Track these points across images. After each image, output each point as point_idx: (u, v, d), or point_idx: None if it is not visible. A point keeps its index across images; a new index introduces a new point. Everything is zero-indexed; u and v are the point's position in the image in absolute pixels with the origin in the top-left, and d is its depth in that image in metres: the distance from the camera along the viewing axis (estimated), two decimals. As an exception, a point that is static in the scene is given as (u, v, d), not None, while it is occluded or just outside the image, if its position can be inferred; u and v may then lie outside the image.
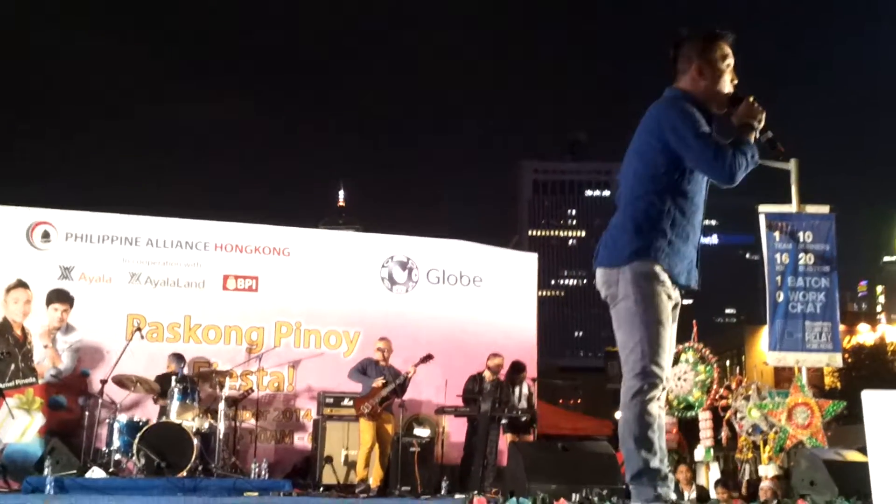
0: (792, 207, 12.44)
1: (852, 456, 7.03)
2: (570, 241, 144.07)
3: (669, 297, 3.67)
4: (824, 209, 12.30)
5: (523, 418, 11.31)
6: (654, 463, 3.53)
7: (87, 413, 10.26)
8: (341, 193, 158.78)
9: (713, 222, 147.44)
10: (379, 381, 10.44)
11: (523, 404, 11.53)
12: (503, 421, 11.05)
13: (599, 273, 3.81)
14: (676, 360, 12.34)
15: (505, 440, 11.06)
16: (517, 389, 11.59)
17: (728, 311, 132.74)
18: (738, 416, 11.32)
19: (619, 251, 3.71)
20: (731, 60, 3.82)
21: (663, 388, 3.57)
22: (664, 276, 3.65)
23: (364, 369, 10.73)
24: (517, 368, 11.67)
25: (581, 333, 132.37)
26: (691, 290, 3.82)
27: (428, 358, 10.60)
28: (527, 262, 14.54)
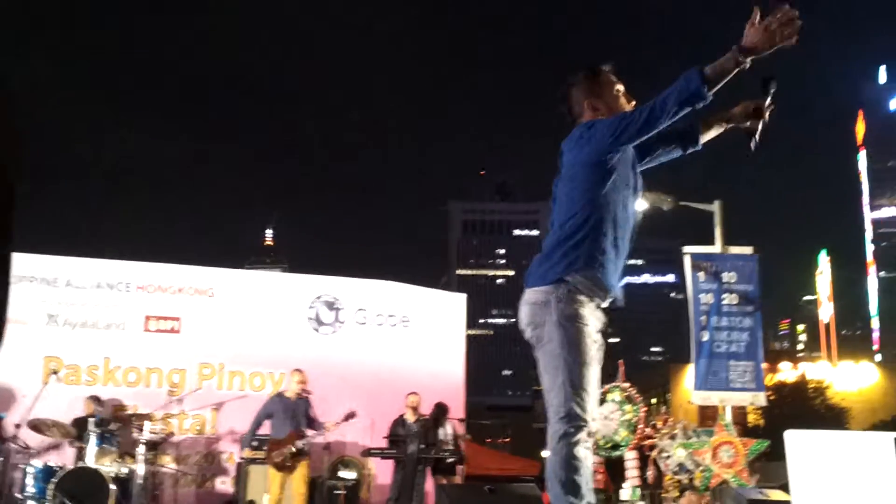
0: (716, 248, 12.64)
1: (775, 495, 7.09)
2: (499, 281, 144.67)
3: (594, 339, 3.63)
4: (747, 250, 12.51)
5: (450, 459, 11.21)
6: None
7: (0, 458, 9.92)
8: (269, 233, 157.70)
9: (639, 262, 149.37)
10: (294, 433, 10.04)
11: (449, 445, 11.43)
12: (430, 463, 10.94)
13: (529, 296, 3.74)
14: (603, 400, 12.37)
15: (432, 482, 10.94)
16: (442, 430, 11.50)
17: (654, 349, 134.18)
18: (664, 455, 11.36)
19: (553, 267, 3.66)
20: (619, 86, 3.88)
21: (590, 431, 3.51)
22: (588, 310, 3.60)
23: (270, 414, 10.26)
24: (442, 410, 11.58)
25: (509, 372, 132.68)
26: (617, 307, 3.76)
27: (351, 416, 10.22)
28: (455, 303, 14.52)
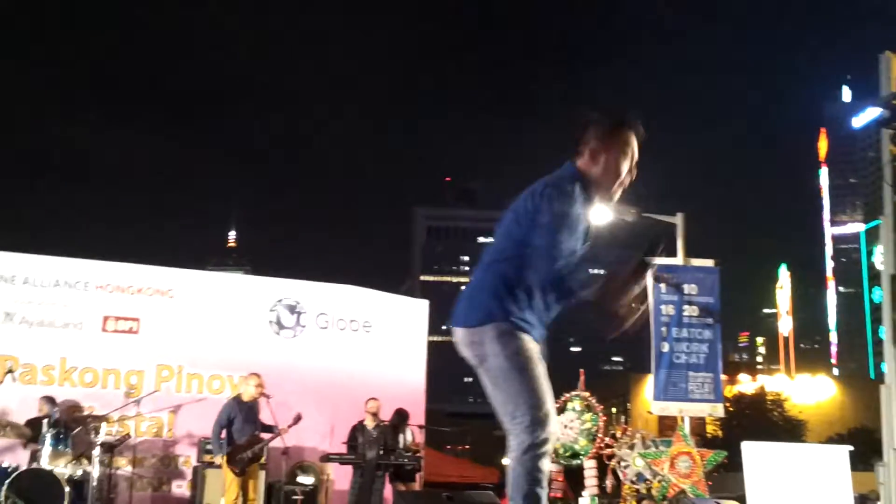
0: (678, 260, 12.72)
1: (732, 506, 7.12)
2: (462, 287, 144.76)
3: (536, 350, 3.69)
4: (709, 263, 12.61)
5: (409, 466, 11.18)
6: None
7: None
8: (232, 234, 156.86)
9: (602, 271, 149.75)
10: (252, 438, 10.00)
11: (409, 451, 11.41)
12: (389, 469, 10.91)
13: (458, 333, 3.77)
14: (563, 409, 12.39)
15: (390, 488, 10.91)
16: (402, 437, 11.48)
17: (615, 359, 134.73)
18: (623, 464, 11.41)
19: (476, 311, 3.70)
20: (631, 149, 3.82)
21: (552, 441, 3.53)
22: (524, 335, 3.65)
23: (230, 419, 10.18)
24: (402, 416, 11.55)
25: (471, 379, 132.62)
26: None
27: (297, 420, 10.09)
28: (417, 309, 14.50)
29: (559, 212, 3.66)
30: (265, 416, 10.20)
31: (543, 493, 3.46)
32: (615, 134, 3.79)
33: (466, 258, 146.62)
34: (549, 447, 3.49)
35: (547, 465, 3.48)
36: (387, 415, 11.45)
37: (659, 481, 10.83)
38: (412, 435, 11.69)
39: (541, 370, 3.59)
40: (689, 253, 12.99)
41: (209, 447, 10.75)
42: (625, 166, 3.80)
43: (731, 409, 40.29)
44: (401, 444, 11.37)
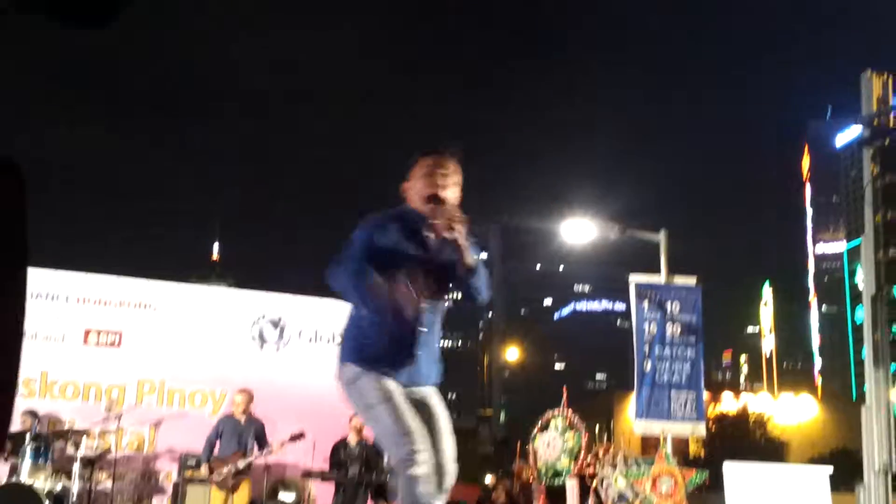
0: (661, 278, 12.75)
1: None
2: (446, 304, 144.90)
3: (389, 387, 3.84)
4: (691, 280, 12.64)
5: (392, 484, 11.14)
6: None
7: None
8: (216, 247, 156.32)
9: (586, 288, 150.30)
10: (237, 453, 10.10)
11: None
12: (371, 487, 10.86)
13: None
14: (545, 427, 12.40)
15: (373, 506, 10.87)
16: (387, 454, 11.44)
17: (599, 377, 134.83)
18: (605, 484, 11.39)
19: (342, 349, 4.02)
20: (437, 172, 3.99)
21: (423, 464, 3.69)
22: (375, 374, 3.84)
23: (218, 435, 10.34)
24: None
25: (454, 395, 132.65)
26: (428, 385, 4.03)
27: (300, 436, 10.26)
28: (400, 324, 14.47)
29: (352, 239, 3.99)
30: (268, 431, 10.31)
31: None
32: (415, 166, 4.06)
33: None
34: (419, 470, 3.66)
35: (424, 488, 3.66)
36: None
37: (641, 501, 10.82)
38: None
39: (392, 402, 3.78)
40: (672, 270, 13.02)
41: (190, 462, 10.75)
42: (421, 183, 3.98)
43: (714, 428, 40.34)
44: (387, 462, 11.33)
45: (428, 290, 3.90)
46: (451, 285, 4.04)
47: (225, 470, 9.95)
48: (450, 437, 3.95)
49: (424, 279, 3.88)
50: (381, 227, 3.93)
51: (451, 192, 3.99)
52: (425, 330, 3.97)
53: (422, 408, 3.90)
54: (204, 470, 10.26)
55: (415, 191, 4.00)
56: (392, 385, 3.82)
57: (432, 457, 3.78)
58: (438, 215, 3.81)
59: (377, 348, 3.83)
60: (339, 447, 11.03)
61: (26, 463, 9.34)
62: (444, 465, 3.86)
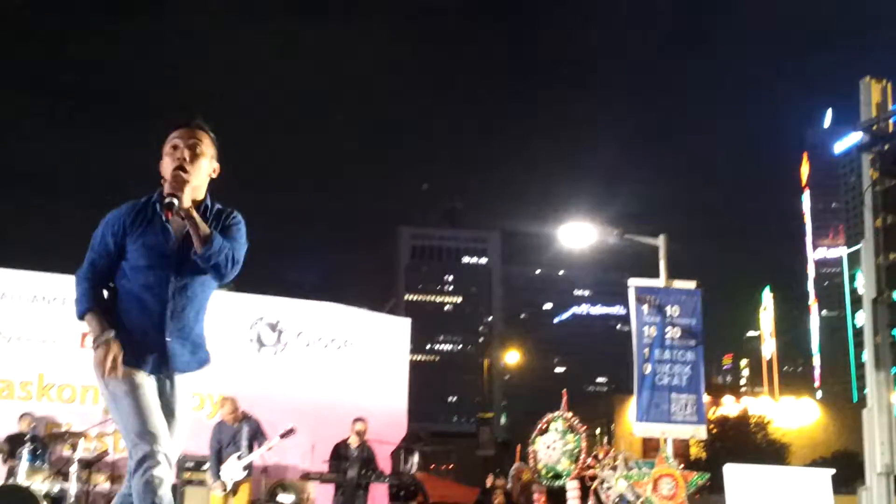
0: (660, 282, 12.72)
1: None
2: (447, 307, 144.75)
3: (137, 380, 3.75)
4: (691, 285, 12.61)
5: (412, 487, 11.16)
6: None
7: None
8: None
9: (586, 293, 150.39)
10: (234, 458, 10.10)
11: (415, 471, 11.38)
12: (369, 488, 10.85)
13: None
14: (546, 430, 12.34)
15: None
16: (411, 458, 11.44)
17: (599, 380, 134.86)
18: (605, 486, 11.34)
19: None
20: (176, 141, 3.84)
21: (164, 465, 3.62)
22: (126, 368, 3.74)
23: (218, 443, 10.33)
24: (416, 438, 11.53)
25: (455, 398, 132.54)
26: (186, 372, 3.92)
27: (290, 432, 10.24)
28: (400, 327, 14.45)
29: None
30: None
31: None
32: (165, 143, 3.88)
33: (451, 278, 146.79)
34: (152, 463, 3.59)
35: (156, 482, 3.57)
36: (371, 434, 11.41)
37: (642, 503, 10.78)
38: (419, 458, 11.63)
39: (131, 396, 3.70)
40: (672, 275, 12.99)
41: (188, 465, 10.72)
42: (167, 158, 3.82)
43: (714, 431, 40.31)
44: (411, 467, 11.32)
45: (173, 273, 3.79)
46: (197, 266, 3.79)
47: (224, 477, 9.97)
48: (175, 438, 3.84)
49: (168, 262, 3.78)
50: (112, 222, 3.84)
51: (200, 165, 3.82)
52: (174, 318, 3.81)
53: (163, 400, 3.81)
54: (218, 487, 10.21)
55: (165, 170, 3.82)
56: (140, 377, 3.72)
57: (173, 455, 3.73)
58: (167, 188, 3.69)
59: (124, 340, 3.71)
60: (340, 449, 11.02)
61: (24, 465, 9.33)
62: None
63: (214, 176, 3.93)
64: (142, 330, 3.76)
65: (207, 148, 3.87)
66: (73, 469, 9.63)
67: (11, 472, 9.60)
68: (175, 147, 3.81)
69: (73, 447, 9.96)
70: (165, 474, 3.59)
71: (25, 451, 9.44)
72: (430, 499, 11.91)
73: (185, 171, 3.72)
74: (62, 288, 11.92)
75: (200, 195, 3.86)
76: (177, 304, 3.81)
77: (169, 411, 3.82)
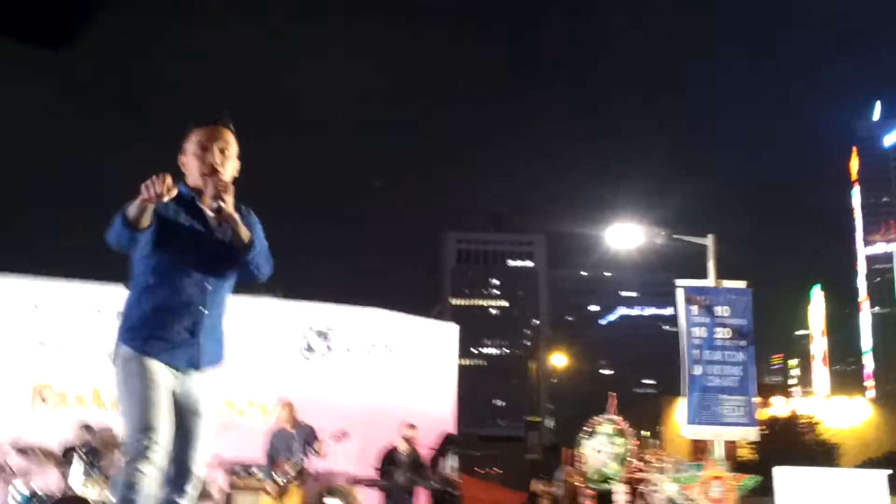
0: (709, 282, 12.62)
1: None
2: (492, 311, 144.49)
3: (155, 377, 3.69)
4: (741, 284, 12.50)
5: (456, 493, 11.15)
6: None
7: (-14, 483, 9.83)
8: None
9: (633, 294, 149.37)
10: (284, 460, 10.21)
11: (454, 475, 11.37)
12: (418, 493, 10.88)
13: None
14: (594, 432, 12.32)
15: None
16: (446, 461, 11.44)
17: (646, 382, 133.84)
18: (654, 489, 11.29)
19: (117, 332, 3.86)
20: (205, 142, 3.84)
21: (155, 465, 3.54)
22: (146, 360, 3.70)
23: (275, 450, 10.44)
24: (450, 441, 11.53)
25: (502, 403, 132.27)
26: (210, 367, 3.92)
27: (343, 435, 10.31)
28: (447, 332, 14.48)
29: None
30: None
31: (136, 499, 3.48)
32: (186, 140, 3.89)
33: (496, 281, 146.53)
34: (141, 461, 3.50)
35: (141, 479, 3.48)
36: (421, 439, 11.45)
37: (691, 506, 10.72)
38: (457, 461, 11.62)
39: (145, 392, 3.64)
40: (721, 275, 12.89)
41: (238, 471, 10.81)
42: (195, 159, 3.82)
43: (764, 432, 39.86)
44: (447, 470, 11.31)
45: (209, 267, 3.80)
46: (232, 264, 3.85)
47: (279, 479, 10.07)
48: (203, 438, 3.80)
49: (204, 256, 3.78)
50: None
51: (230, 166, 3.86)
52: (206, 311, 3.82)
53: (188, 399, 3.77)
54: (271, 490, 10.32)
55: (191, 167, 3.84)
56: (159, 374, 3.67)
57: (178, 455, 3.67)
58: (209, 188, 3.70)
59: (154, 330, 3.70)
60: (389, 454, 11.05)
61: (79, 475, 9.43)
62: (188, 465, 3.73)
63: (237, 175, 3.93)
64: (176, 326, 3.74)
65: (234, 148, 3.91)
66: (128, 478, 9.72)
67: (66, 482, 9.71)
68: (204, 148, 3.82)
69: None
70: (153, 474, 3.52)
71: (80, 462, 9.54)
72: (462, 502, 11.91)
73: (220, 175, 3.75)
74: (115, 299, 12.08)
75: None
76: (210, 301, 3.84)
77: (195, 411, 3.79)
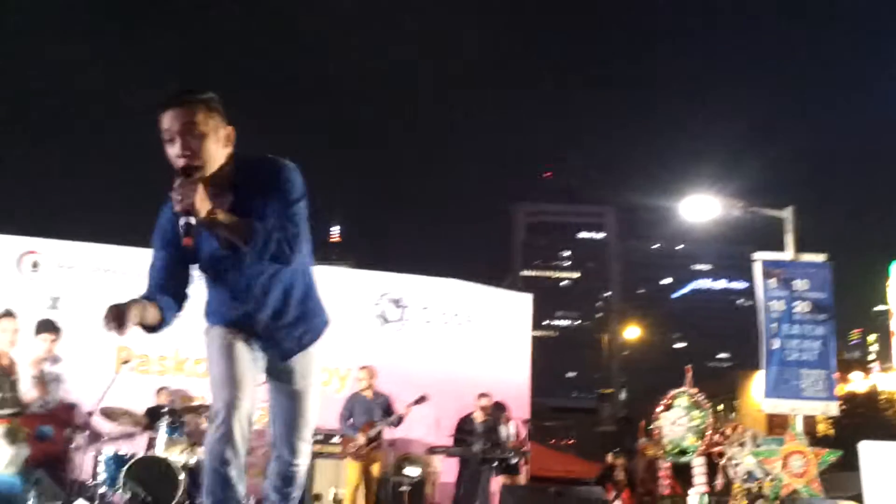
0: (787, 255, 12.41)
1: (848, 505, 6.94)
2: (563, 282, 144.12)
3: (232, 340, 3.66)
4: (820, 257, 12.27)
5: (514, 460, 11.18)
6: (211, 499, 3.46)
7: (72, 445, 10.10)
8: (336, 229, 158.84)
9: (706, 267, 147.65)
10: (366, 423, 10.38)
11: (511, 444, 11.43)
12: (494, 462, 10.93)
13: None
14: (670, 406, 12.24)
15: (497, 482, 10.92)
16: (503, 429, 11.49)
17: (720, 356, 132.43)
18: (733, 462, 11.20)
19: None
20: (167, 133, 3.32)
21: (226, 418, 3.44)
22: (229, 332, 3.67)
23: (350, 413, 10.62)
24: (499, 408, 11.60)
25: (574, 374, 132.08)
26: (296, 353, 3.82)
27: (422, 399, 10.47)
28: (521, 303, 14.47)
29: None
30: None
31: (225, 470, 3.41)
32: (159, 125, 3.36)
33: (567, 253, 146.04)
34: (222, 428, 3.43)
35: (222, 447, 3.41)
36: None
37: (771, 480, 10.60)
38: (516, 427, 11.69)
39: (226, 359, 3.60)
40: (800, 248, 12.66)
41: (318, 437, 10.96)
42: (171, 150, 3.33)
43: (843, 407, 39.24)
44: (503, 437, 11.39)
45: (239, 270, 3.58)
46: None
47: (360, 440, 10.22)
48: (303, 413, 3.85)
49: (226, 264, 3.57)
50: (156, 233, 3.62)
51: (207, 147, 3.31)
52: (267, 304, 3.65)
53: (287, 378, 3.81)
54: (339, 443, 10.54)
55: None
56: (231, 337, 3.63)
57: (280, 431, 3.77)
58: (174, 201, 3.22)
59: (220, 307, 3.72)
60: (465, 423, 11.14)
61: (162, 437, 9.64)
62: (290, 440, 3.84)
63: (230, 143, 3.42)
64: (236, 324, 3.66)
65: (206, 122, 3.31)
66: (208, 441, 9.91)
67: (150, 444, 9.94)
68: (170, 140, 3.30)
69: (208, 419, 10.25)
70: (241, 431, 3.41)
71: (163, 424, 9.74)
72: (531, 471, 11.95)
73: (188, 172, 3.25)
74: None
75: (216, 166, 3.36)
76: (256, 295, 3.61)
77: (289, 386, 3.81)
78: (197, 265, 3.63)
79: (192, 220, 3.19)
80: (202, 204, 3.18)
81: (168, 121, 3.29)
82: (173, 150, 3.29)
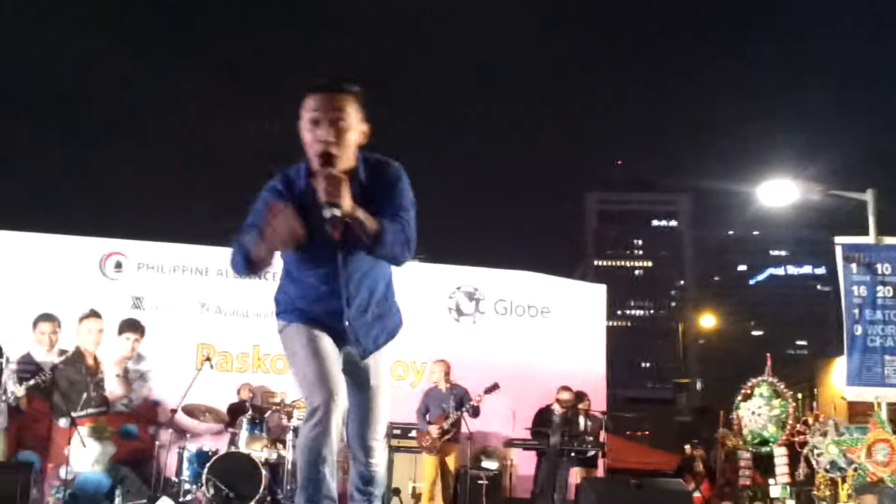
0: (869, 239, 12.17)
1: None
2: (637, 272, 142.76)
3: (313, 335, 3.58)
4: (904, 241, 12.01)
5: (591, 452, 11.14)
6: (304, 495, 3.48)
7: (156, 442, 10.33)
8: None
9: (783, 253, 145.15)
10: (440, 416, 10.46)
11: (589, 435, 11.39)
12: (572, 454, 10.91)
13: None
14: (750, 395, 12.10)
15: (574, 474, 10.90)
16: (581, 420, 11.46)
17: (799, 343, 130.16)
18: (816, 452, 11.03)
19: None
20: (315, 114, 3.36)
21: (325, 416, 3.39)
22: (307, 328, 3.60)
23: (426, 407, 10.72)
24: (579, 399, 11.57)
25: (648, 364, 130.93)
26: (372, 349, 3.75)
27: (494, 388, 10.51)
28: (595, 293, 14.40)
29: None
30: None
31: (321, 467, 3.45)
32: (302, 108, 3.42)
33: (640, 242, 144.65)
34: (319, 420, 3.39)
35: (315, 443, 3.40)
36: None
37: (855, 469, 10.43)
38: (592, 419, 11.66)
39: (305, 353, 3.54)
40: (882, 231, 12.39)
41: (395, 431, 11.06)
42: (308, 135, 3.38)
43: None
44: (581, 430, 11.36)
45: (338, 260, 3.50)
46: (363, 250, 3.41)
47: (434, 433, 10.29)
48: (377, 409, 3.79)
49: (329, 251, 3.46)
50: (273, 189, 3.50)
51: (348, 141, 3.37)
52: (348, 300, 3.59)
53: (362, 372, 3.72)
54: (415, 435, 10.65)
55: (305, 144, 3.40)
56: (323, 339, 3.56)
57: (356, 428, 3.69)
58: (320, 189, 3.21)
59: (300, 303, 3.63)
60: (543, 415, 11.13)
61: (244, 434, 9.81)
62: (365, 437, 3.79)
63: (365, 141, 3.48)
64: (318, 320, 3.60)
65: (353, 115, 3.39)
66: (289, 437, 10.06)
67: (233, 441, 10.12)
68: (315, 122, 3.37)
69: (289, 416, 10.39)
70: (329, 438, 3.37)
71: (245, 421, 9.91)
72: (608, 463, 11.89)
73: (331, 162, 3.30)
74: (275, 265, 12.45)
75: (352, 159, 3.44)
76: (350, 289, 3.57)
77: (363, 384, 3.73)
78: (297, 254, 3.50)
79: (338, 213, 3.18)
80: (347, 199, 3.19)
81: (317, 103, 3.36)
82: (315, 134, 3.35)
